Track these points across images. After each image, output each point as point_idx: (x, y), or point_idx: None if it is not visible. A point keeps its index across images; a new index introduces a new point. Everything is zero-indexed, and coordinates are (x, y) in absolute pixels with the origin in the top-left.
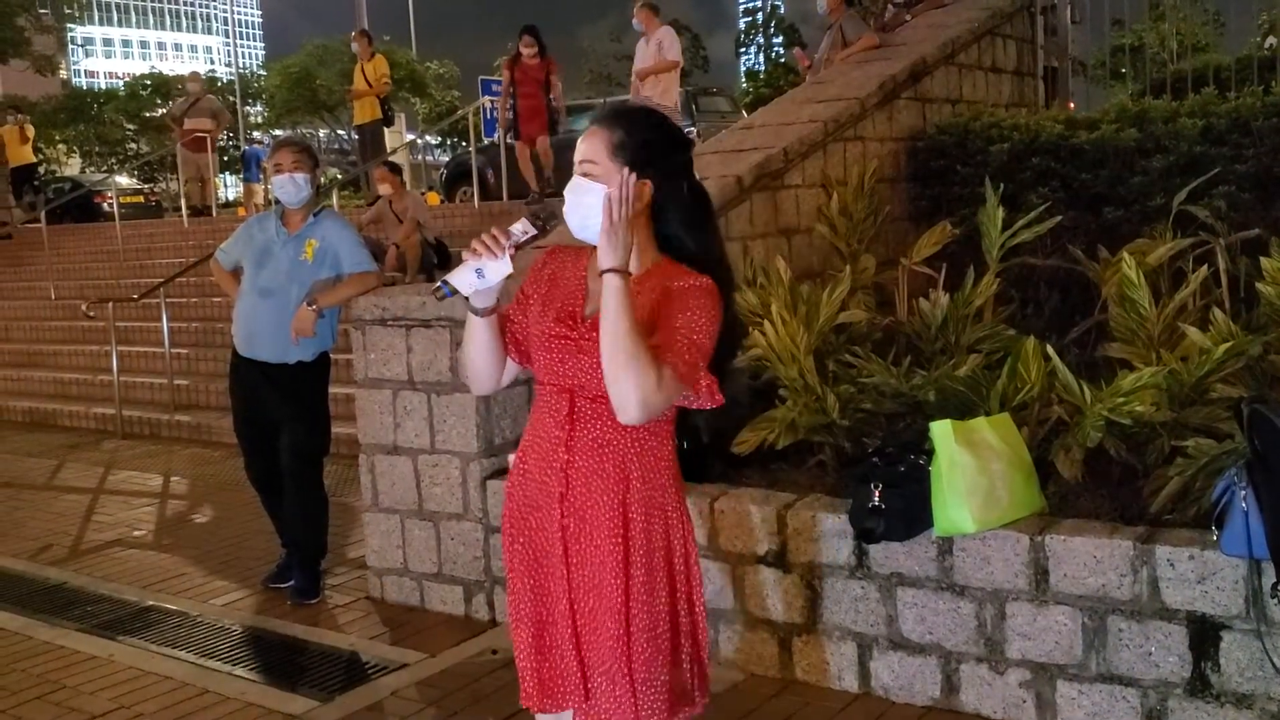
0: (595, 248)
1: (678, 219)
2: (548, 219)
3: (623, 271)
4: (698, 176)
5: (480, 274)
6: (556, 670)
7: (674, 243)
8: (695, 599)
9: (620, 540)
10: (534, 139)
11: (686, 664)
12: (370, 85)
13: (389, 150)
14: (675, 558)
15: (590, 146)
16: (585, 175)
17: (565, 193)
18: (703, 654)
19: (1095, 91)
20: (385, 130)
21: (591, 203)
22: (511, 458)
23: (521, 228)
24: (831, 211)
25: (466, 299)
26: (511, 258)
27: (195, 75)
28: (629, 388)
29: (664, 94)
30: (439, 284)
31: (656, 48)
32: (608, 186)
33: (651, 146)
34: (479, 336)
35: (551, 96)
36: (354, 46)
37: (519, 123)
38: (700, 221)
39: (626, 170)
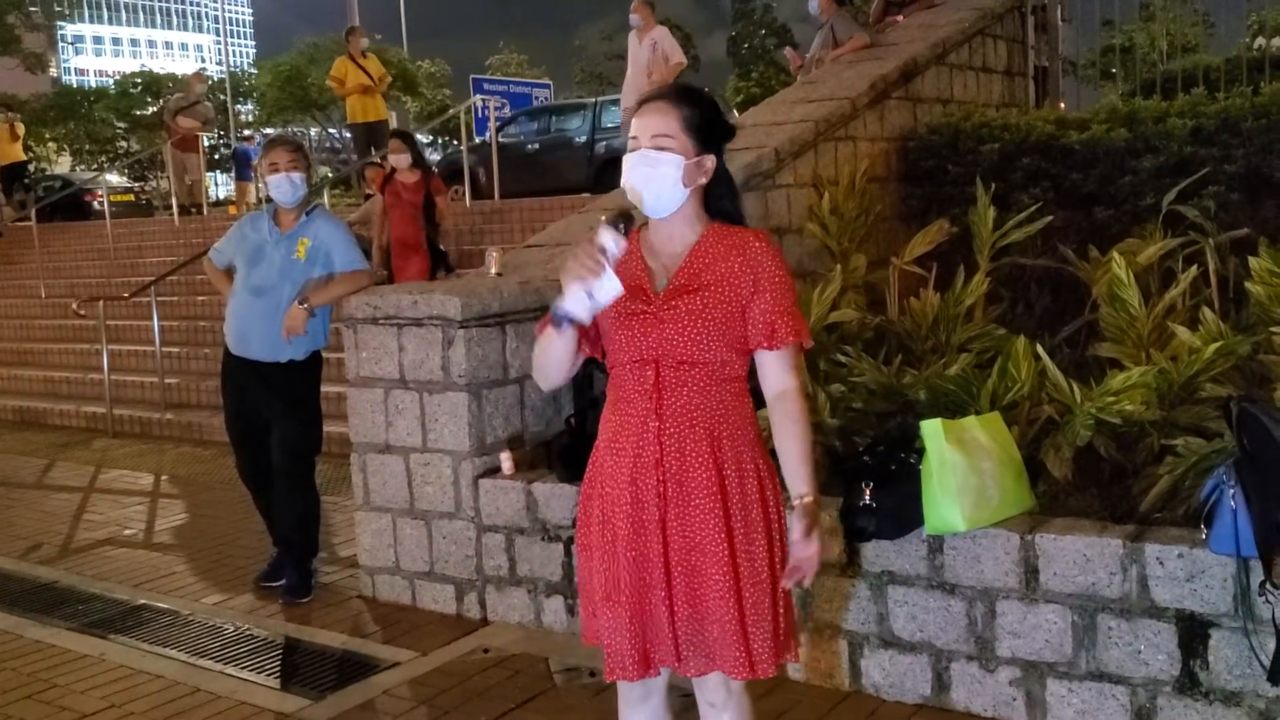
0: (641, 228)
1: (725, 190)
2: (627, 224)
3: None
4: None
5: (590, 295)
6: (654, 636)
7: (718, 208)
8: (785, 549)
9: (718, 497)
10: None
11: (782, 609)
12: (375, 82)
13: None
14: (770, 510)
15: (664, 120)
16: (660, 148)
17: (635, 163)
18: (791, 602)
19: (1086, 91)
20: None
21: (667, 174)
22: (504, 458)
23: (614, 243)
24: (823, 211)
25: (556, 318)
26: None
27: (201, 76)
28: None
29: None
30: (558, 316)
31: (651, 47)
32: (684, 158)
33: (715, 126)
34: (564, 346)
35: (437, 227)
36: (363, 42)
37: (392, 264)
38: (736, 190)
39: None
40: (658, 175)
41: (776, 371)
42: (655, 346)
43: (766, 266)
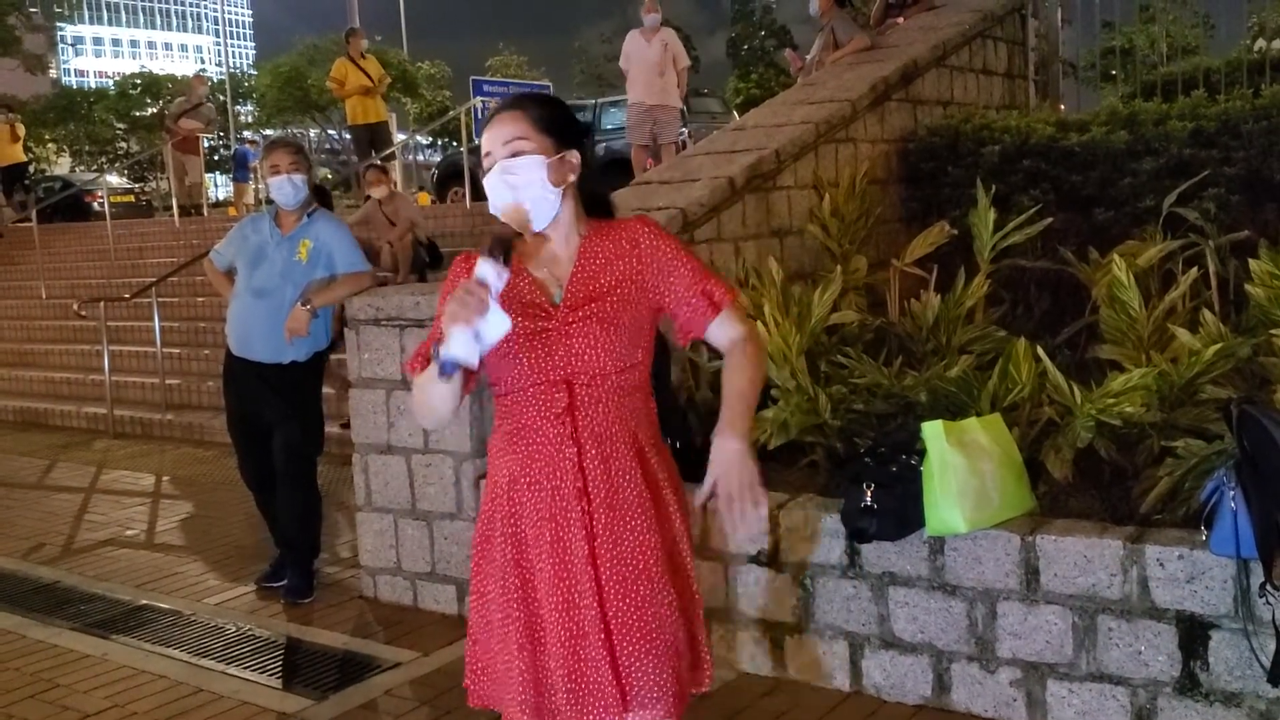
0: (516, 240)
1: (594, 180)
2: (507, 251)
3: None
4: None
5: (478, 336)
6: (590, 683)
7: (591, 199)
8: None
9: (653, 513)
10: None
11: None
12: (375, 84)
13: (386, 151)
14: (686, 515)
15: (515, 126)
16: (517, 153)
17: (496, 180)
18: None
19: (1085, 93)
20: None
21: (534, 177)
22: None
23: (495, 273)
24: (823, 213)
25: (443, 367)
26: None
27: (202, 78)
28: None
29: (675, 94)
30: (440, 362)
31: (663, 47)
32: (545, 157)
33: (569, 122)
34: (450, 390)
35: None
36: (363, 44)
37: None
38: (604, 183)
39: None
40: (524, 182)
41: (727, 331)
42: (565, 364)
43: (664, 250)
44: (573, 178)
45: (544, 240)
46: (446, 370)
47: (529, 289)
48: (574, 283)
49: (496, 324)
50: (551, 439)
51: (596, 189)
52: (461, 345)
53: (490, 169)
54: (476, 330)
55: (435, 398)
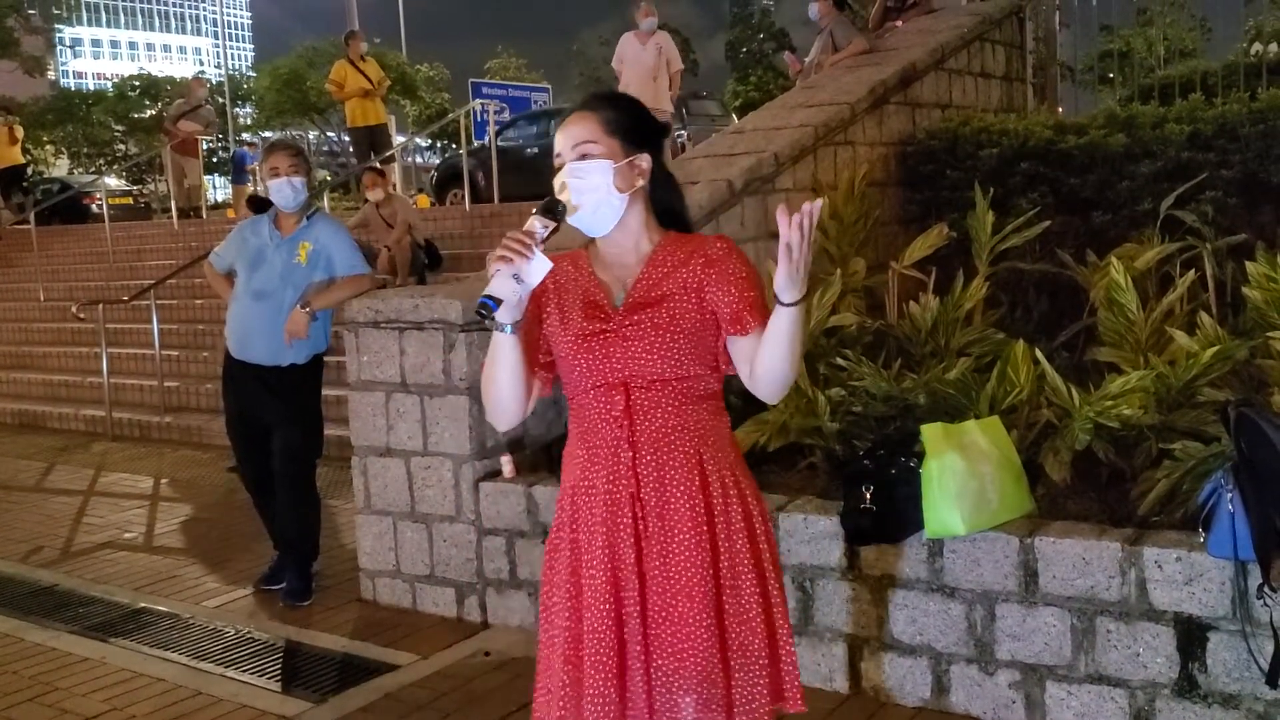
0: (588, 245)
1: (667, 191)
2: (560, 211)
3: (802, 302)
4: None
5: (518, 278)
6: (628, 693)
7: (664, 210)
8: (779, 576)
9: (704, 528)
10: None
11: (782, 650)
12: (374, 86)
13: (386, 154)
14: (759, 539)
15: (584, 128)
16: (585, 156)
17: (567, 178)
18: (791, 645)
19: (1083, 96)
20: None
21: (599, 183)
22: (505, 461)
23: (542, 224)
24: (822, 215)
25: (494, 319)
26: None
27: (200, 80)
28: (789, 382)
29: (667, 97)
30: (481, 301)
31: (657, 50)
32: (613, 162)
33: (641, 124)
34: (509, 358)
35: None
36: (363, 46)
37: None
38: (680, 192)
39: (810, 205)
40: (588, 186)
41: (753, 343)
42: (622, 367)
43: (727, 265)
44: (641, 183)
45: (613, 244)
46: (490, 307)
47: (593, 290)
48: (637, 288)
49: (538, 267)
50: (609, 441)
51: (666, 199)
52: (501, 285)
53: (559, 170)
54: (517, 272)
55: (500, 373)
